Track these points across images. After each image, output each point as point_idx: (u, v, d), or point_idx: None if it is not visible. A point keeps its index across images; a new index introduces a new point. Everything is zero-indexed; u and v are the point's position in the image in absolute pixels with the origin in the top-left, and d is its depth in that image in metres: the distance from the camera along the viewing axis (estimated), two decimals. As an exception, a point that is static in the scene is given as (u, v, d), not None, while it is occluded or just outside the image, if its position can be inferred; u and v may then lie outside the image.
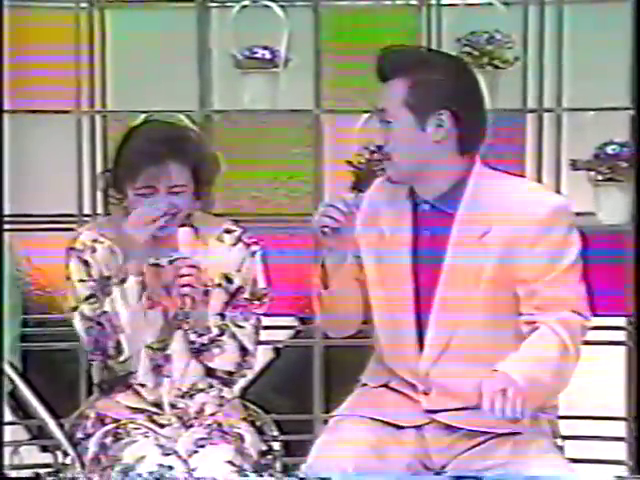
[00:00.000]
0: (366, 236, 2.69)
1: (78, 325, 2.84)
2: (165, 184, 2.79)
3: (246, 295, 2.90)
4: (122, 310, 2.79)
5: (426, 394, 2.66)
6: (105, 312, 2.80)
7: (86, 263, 2.86)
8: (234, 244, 2.91)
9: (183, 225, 2.81)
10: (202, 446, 2.78)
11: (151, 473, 2.68)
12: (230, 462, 2.73)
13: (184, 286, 2.76)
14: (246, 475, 2.72)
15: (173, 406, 2.86)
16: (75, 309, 2.86)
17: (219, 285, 2.89)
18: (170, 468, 2.70)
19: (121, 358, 2.82)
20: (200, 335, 2.84)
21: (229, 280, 2.89)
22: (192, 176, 2.83)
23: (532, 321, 2.57)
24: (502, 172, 2.70)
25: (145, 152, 2.78)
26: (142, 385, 2.86)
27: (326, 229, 2.58)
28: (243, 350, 2.88)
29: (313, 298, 2.73)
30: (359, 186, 2.68)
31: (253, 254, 2.91)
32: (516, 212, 2.58)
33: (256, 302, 2.91)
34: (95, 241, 2.87)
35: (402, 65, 2.63)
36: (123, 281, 2.80)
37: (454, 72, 2.64)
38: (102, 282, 2.85)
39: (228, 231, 2.92)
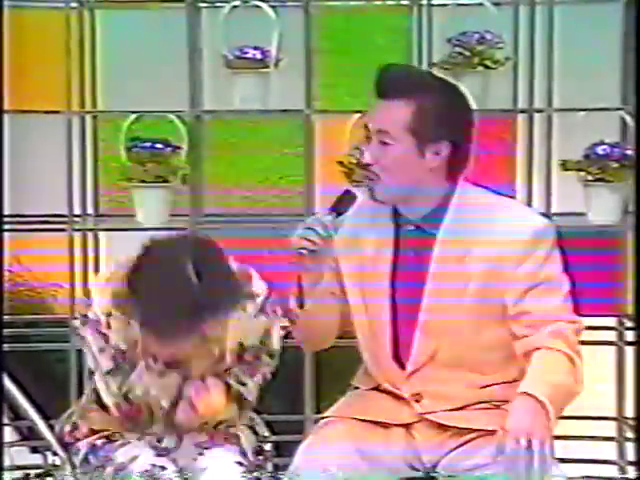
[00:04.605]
0: (347, 257, 2.70)
1: (106, 398, 2.72)
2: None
3: (256, 354, 2.77)
4: (154, 388, 2.70)
5: (417, 401, 2.67)
6: (133, 386, 2.69)
7: (104, 335, 2.70)
8: (256, 315, 2.74)
9: None
10: (207, 448, 2.75)
11: (144, 472, 2.67)
12: (239, 462, 2.71)
13: None
14: (250, 475, 2.71)
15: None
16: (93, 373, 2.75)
17: (231, 350, 2.75)
18: (163, 468, 2.69)
19: (154, 428, 2.75)
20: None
21: (243, 348, 2.76)
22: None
23: (524, 335, 2.58)
24: (484, 189, 2.69)
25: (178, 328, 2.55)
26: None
27: (304, 251, 2.58)
28: (240, 401, 2.79)
29: (289, 314, 2.70)
30: (342, 204, 2.65)
31: (274, 324, 2.76)
32: (498, 235, 2.58)
33: (266, 361, 2.79)
34: (109, 315, 2.69)
35: (408, 87, 2.60)
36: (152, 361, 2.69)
37: (455, 101, 2.64)
38: (120, 353, 2.70)
39: (251, 296, 2.74)
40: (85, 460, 2.79)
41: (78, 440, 2.82)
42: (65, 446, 2.82)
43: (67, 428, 2.86)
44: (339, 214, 2.62)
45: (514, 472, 2.41)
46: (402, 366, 2.67)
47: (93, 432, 2.83)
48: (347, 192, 2.65)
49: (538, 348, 2.56)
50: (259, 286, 2.75)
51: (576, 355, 2.57)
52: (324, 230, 2.58)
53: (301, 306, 2.64)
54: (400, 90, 2.59)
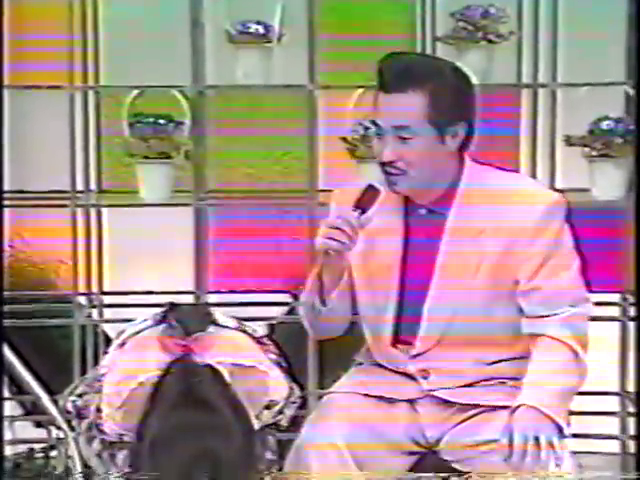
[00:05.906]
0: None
1: None
2: None
3: None
4: None
5: (424, 377, 2.66)
6: None
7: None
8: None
9: None
10: None
11: None
12: None
13: None
14: None
15: None
16: None
17: None
18: None
19: None
20: None
21: None
22: None
23: (534, 314, 2.58)
24: (489, 165, 2.67)
25: None
26: None
27: (331, 252, 2.55)
28: None
29: (305, 307, 2.67)
30: (365, 200, 2.56)
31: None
32: (511, 212, 2.57)
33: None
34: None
35: (417, 76, 2.54)
36: None
37: (462, 80, 2.61)
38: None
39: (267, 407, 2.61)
40: (89, 429, 2.79)
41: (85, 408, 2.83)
42: (69, 421, 2.82)
43: (73, 398, 2.86)
44: (364, 211, 2.55)
45: (522, 466, 2.44)
46: (405, 348, 2.65)
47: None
48: (370, 187, 2.56)
49: (544, 335, 2.56)
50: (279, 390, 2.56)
51: (582, 347, 2.57)
52: (351, 229, 2.53)
53: (323, 303, 2.61)
54: (411, 81, 2.53)
